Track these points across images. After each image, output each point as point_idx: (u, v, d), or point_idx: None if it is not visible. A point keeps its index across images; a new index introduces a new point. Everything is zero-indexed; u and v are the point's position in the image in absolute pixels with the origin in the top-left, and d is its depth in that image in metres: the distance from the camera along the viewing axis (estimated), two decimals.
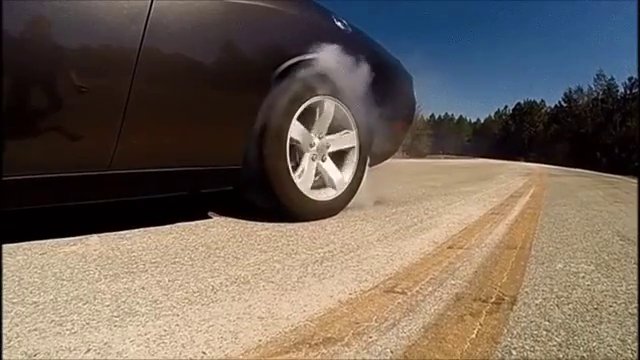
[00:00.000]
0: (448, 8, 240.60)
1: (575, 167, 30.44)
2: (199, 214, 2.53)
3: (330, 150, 2.70)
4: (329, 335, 1.00)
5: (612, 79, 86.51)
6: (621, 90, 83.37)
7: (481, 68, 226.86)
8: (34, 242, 1.79)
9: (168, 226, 2.20)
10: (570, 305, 1.25)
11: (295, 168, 2.48)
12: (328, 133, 2.69)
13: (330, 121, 2.66)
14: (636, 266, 1.72)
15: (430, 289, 1.35)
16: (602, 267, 1.70)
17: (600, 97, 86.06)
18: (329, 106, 2.61)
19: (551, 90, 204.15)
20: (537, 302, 1.27)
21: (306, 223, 2.40)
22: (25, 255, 1.61)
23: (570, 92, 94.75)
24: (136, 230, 2.07)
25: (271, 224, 2.34)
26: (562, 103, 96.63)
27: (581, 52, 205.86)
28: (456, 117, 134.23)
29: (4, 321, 1.03)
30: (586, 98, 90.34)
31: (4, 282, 1.31)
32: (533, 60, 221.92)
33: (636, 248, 2.03)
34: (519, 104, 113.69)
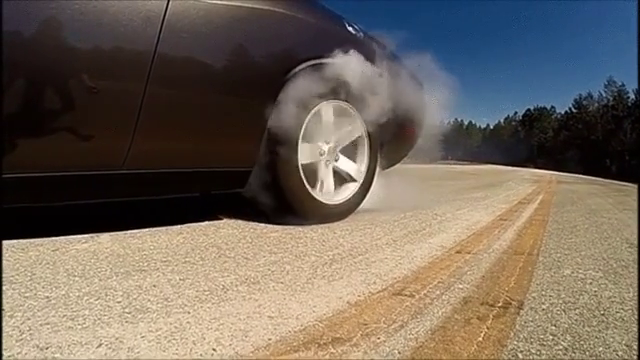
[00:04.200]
0: (460, 16, 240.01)
1: (585, 174, 30.28)
2: (209, 215, 2.54)
3: (340, 145, 2.73)
4: (338, 335, 1.01)
5: (623, 85, 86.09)
6: (632, 97, 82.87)
7: (491, 74, 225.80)
8: (46, 239, 1.81)
9: (178, 226, 2.21)
10: (577, 310, 1.26)
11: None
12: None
13: (335, 124, 2.68)
14: None
15: (438, 292, 1.36)
16: (610, 274, 1.70)
17: (610, 104, 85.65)
18: (334, 110, 2.62)
19: (562, 96, 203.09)
20: (544, 307, 1.27)
21: (315, 226, 2.41)
22: (37, 251, 1.63)
23: (580, 98, 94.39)
24: (147, 229, 2.09)
25: (280, 226, 2.35)
26: (572, 109, 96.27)
27: (592, 58, 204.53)
28: (465, 123, 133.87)
29: (17, 314, 1.04)
30: (596, 104, 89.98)
31: (17, 277, 1.32)
32: (544, 66, 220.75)
33: None
34: (529, 110, 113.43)
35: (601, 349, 1.01)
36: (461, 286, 1.44)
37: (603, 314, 1.24)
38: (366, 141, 2.86)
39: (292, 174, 2.35)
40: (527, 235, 2.46)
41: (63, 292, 1.22)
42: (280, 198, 2.37)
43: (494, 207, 3.86)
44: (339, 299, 1.27)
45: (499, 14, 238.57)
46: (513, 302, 1.30)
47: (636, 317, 1.23)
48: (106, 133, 1.72)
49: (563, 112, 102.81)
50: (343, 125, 2.73)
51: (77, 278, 1.34)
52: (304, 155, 2.43)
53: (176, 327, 1.01)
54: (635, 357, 0.97)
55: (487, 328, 1.10)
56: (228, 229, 2.23)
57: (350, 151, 2.83)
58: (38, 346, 0.89)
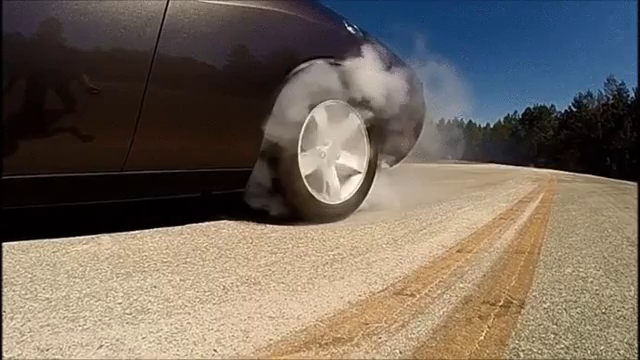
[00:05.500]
0: (460, 16, 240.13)
1: (586, 173, 30.25)
2: (210, 216, 2.54)
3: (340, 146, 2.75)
4: (339, 335, 1.01)
5: (623, 84, 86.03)
6: (632, 95, 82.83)
7: (492, 74, 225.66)
8: (46, 240, 1.81)
9: (179, 227, 2.21)
10: (578, 309, 1.26)
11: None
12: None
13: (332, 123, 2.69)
14: None
15: (439, 292, 1.36)
16: (611, 272, 1.70)
17: (610, 102, 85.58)
18: (335, 109, 2.64)
19: (561, 95, 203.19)
20: (545, 306, 1.27)
21: (316, 226, 2.41)
22: (38, 253, 1.63)
23: (580, 97, 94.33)
24: (147, 230, 2.09)
25: (281, 227, 2.35)
26: (572, 108, 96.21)
27: (592, 57, 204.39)
28: (465, 122, 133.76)
29: (17, 316, 1.04)
30: (596, 103, 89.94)
31: (17, 278, 1.33)
32: (544, 65, 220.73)
33: None
34: (529, 109, 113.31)
35: (602, 348, 1.01)
36: (462, 285, 1.44)
37: (604, 313, 1.24)
38: (364, 133, 2.87)
39: (293, 174, 2.35)
40: (528, 234, 2.45)
41: (64, 293, 1.22)
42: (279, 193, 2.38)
43: (495, 206, 3.86)
44: (340, 299, 1.27)
45: (499, 14, 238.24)
46: (514, 301, 1.30)
47: (637, 316, 1.23)
48: (107, 134, 1.72)
49: (563, 111, 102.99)
50: (339, 123, 2.73)
51: (77, 279, 1.34)
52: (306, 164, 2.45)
53: (177, 328, 1.01)
54: (636, 356, 0.97)
55: (488, 327, 1.10)
56: (228, 229, 2.23)
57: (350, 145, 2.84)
58: (39, 348, 0.89)
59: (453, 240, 2.18)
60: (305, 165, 2.43)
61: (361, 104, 2.73)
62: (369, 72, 2.71)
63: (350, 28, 2.85)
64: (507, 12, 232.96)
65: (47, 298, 1.18)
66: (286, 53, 2.35)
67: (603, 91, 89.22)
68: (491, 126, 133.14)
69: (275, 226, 2.36)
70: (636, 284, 1.53)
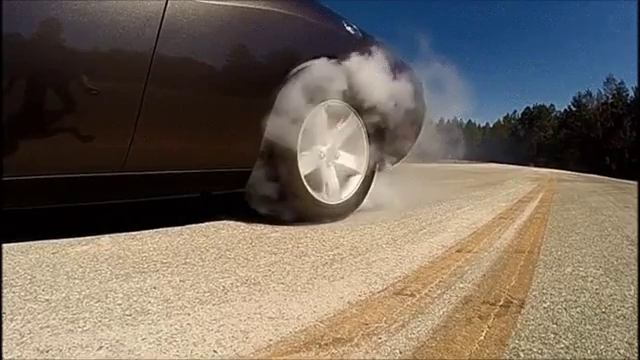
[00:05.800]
0: (460, 16, 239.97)
1: (585, 172, 30.26)
2: (209, 216, 2.54)
3: (339, 147, 2.76)
4: (339, 335, 1.01)
5: (622, 83, 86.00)
6: (631, 94, 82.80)
7: (492, 74, 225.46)
8: (46, 241, 1.81)
9: (178, 227, 2.21)
10: (578, 309, 1.26)
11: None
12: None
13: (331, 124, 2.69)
14: None
15: (439, 292, 1.36)
16: (611, 271, 1.69)
17: (610, 101, 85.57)
18: (335, 110, 2.63)
19: (561, 95, 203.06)
20: (545, 305, 1.27)
21: (315, 226, 2.41)
22: (37, 254, 1.63)
23: (579, 96, 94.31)
24: (147, 231, 2.09)
25: (280, 227, 2.34)
26: (572, 107, 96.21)
27: (594, 57, 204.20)
28: (465, 121, 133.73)
29: (17, 317, 1.04)
30: (596, 102, 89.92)
31: (17, 279, 1.32)
32: (543, 65, 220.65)
33: None
34: (528, 108, 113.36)
35: (602, 347, 1.00)
36: (462, 285, 1.43)
37: (604, 312, 1.24)
38: (364, 133, 2.86)
39: (293, 174, 2.35)
40: (528, 233, 2.45)
41: (63, 295, 1.21)
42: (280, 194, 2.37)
43: (494, 205, 3.86)
44: (340, 299, 1.26)
45: (499, 14, 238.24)
46: (514, 301, 1.30)
47: (637, 315, 1.23)
48: (106, 134, 1.72)
49: (562, 110, 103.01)
50: (339, 123, 2.73)
51: (77, 280, 1.34)
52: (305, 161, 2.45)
53: (177, 329, 1.01)
54: (636, 355, 0.97)
55: (488, 327, 1.09)
56: (228, 230, 2.23)
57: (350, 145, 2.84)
58: (38, 349, 0.89)
59: (453, 240, 2.17)
60: (304, 165, 2.43)
61: (361, 104, 2.73)
62: (369, 72, 2.71)
63: (349, 28, 2.85)
64: (507, 12, 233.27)
65: (47, 299, 1.17)
66: (285, 53, 2.35)
67: (602, 90, 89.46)
68: (490, 126, 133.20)
69: (275, 226, 2.35)
70: (636, 283, 1.53)
